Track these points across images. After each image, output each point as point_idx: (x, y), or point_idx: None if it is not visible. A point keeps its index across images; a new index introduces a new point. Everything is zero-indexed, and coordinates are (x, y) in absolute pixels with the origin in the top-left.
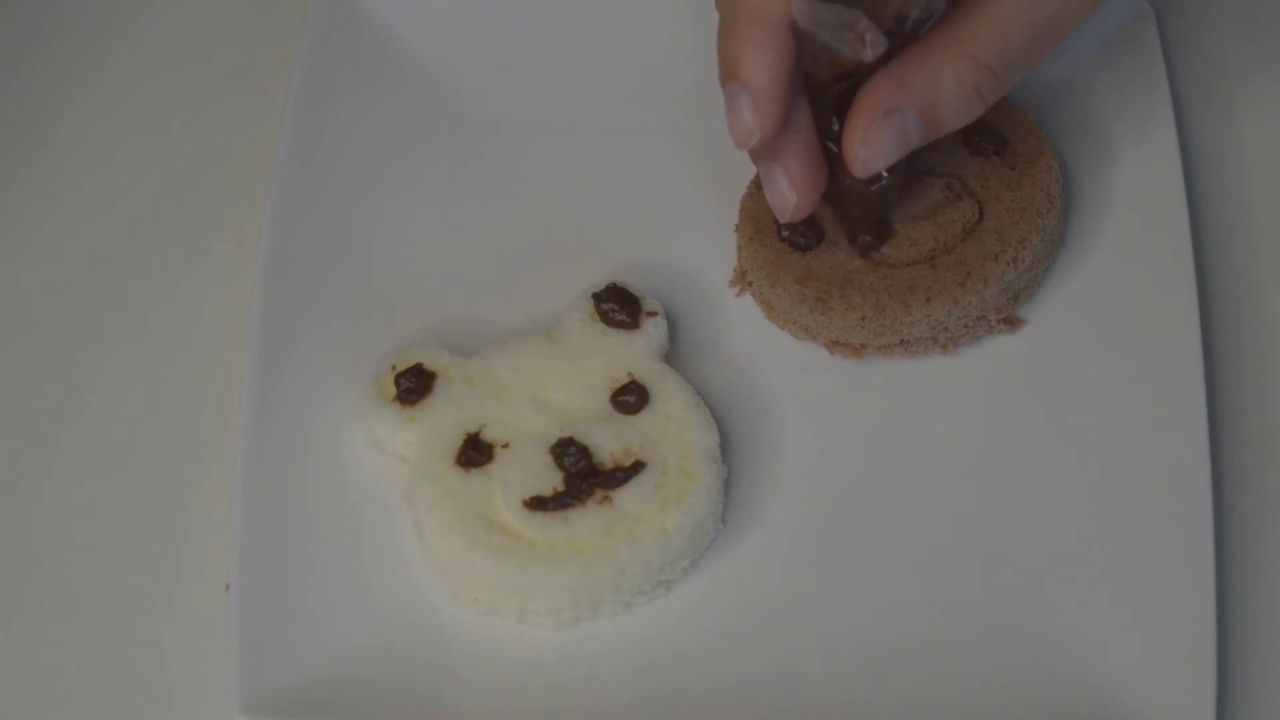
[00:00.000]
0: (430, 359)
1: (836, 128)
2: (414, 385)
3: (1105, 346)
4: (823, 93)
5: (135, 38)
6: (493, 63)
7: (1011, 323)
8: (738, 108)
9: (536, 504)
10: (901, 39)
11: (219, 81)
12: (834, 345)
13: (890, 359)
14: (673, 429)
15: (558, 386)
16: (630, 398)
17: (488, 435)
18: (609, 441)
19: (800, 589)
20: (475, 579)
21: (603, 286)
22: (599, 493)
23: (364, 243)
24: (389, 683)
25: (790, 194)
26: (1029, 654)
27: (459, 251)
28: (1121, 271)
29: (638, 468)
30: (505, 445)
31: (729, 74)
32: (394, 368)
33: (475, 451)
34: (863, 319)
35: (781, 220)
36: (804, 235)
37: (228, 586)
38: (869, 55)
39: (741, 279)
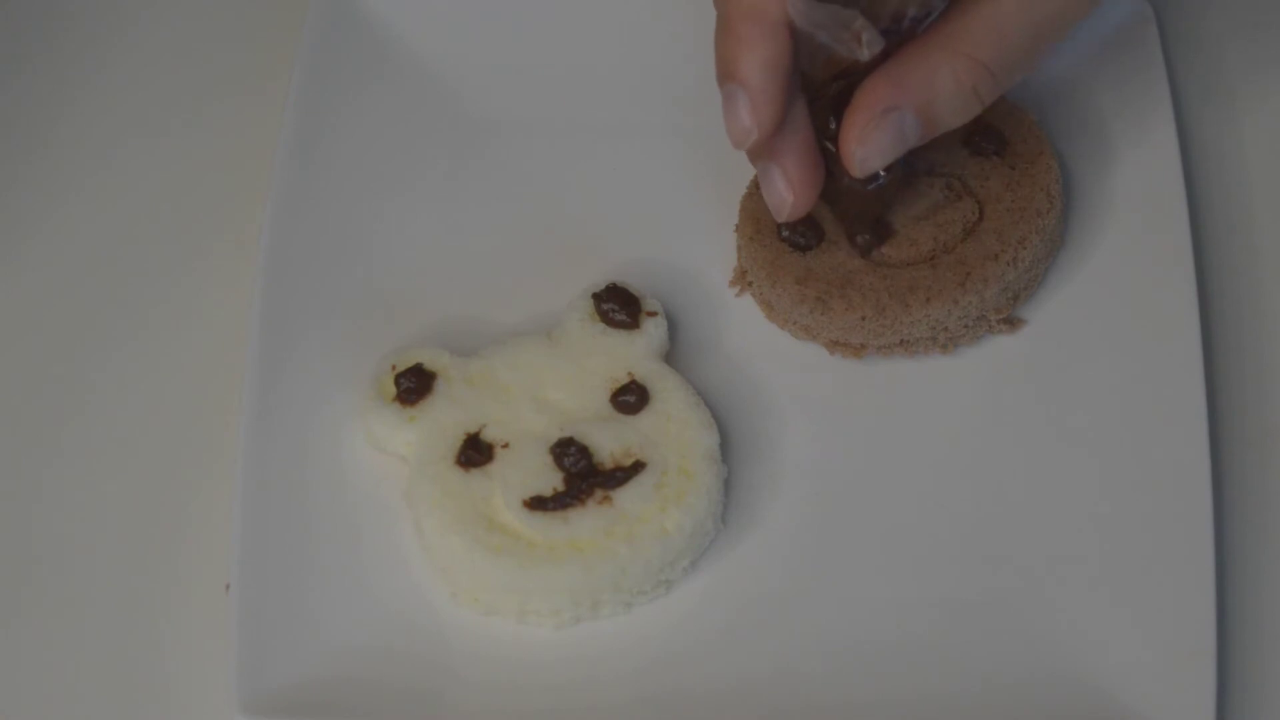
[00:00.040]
0: (430, 359)
1: (834, 127)
2: (414, 385)
3: (1105, 346)
4: (820, 92)
5: (135, 38)
6: (493, 63)
7: (1011, 323)
8: (735, 107)
9: (536, 504)
10: (899, 38)
11: (219, 81)
12: (834, 345)
13: (890, 359)
14: (673, 429)
15: (558, 386)
16: (630, 398)
17: (488, 435)
18: (609, 441)
19: (800, 589)
20: (475, 579)
21: (603, 286)
22: (599, 493)
23: (364, 243)
24: (389, 683)
25: (787, 193)
26: (1029, 654)
27: (459, 251)
28: (1121, 271)
29: (638, 468)
30: (505, 445)
31: (726, 74)
32: (394, 368)
33: (475, 451)
34: (863, 319)
35: (779, 220)
36: (804, 235)
37: (228, 586)
38: (866, 54)
39: (741, 279)
